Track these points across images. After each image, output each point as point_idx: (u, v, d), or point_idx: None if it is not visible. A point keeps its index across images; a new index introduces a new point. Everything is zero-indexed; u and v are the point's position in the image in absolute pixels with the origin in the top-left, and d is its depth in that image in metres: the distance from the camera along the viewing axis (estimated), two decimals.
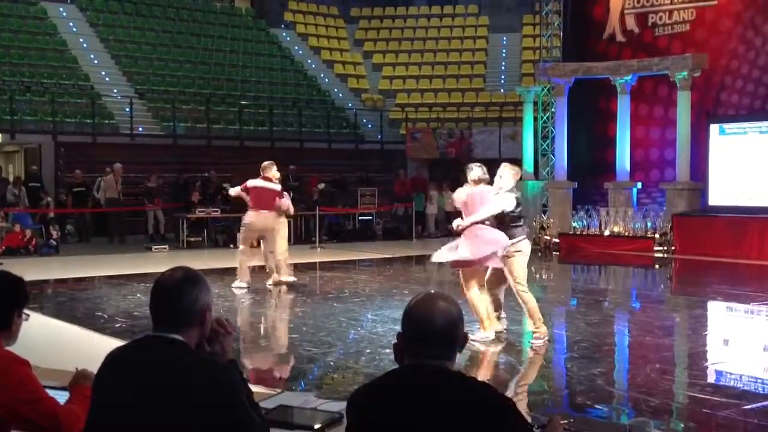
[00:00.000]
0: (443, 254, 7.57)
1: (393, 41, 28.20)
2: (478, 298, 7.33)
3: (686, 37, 16.50)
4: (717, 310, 10.04)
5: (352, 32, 28.97)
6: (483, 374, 6.30)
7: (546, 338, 7.37)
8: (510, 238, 7.24)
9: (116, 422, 2.37)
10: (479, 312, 7.32)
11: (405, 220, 19.74)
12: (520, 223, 7.51)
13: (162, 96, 21.77)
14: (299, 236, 17.54)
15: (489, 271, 7.52)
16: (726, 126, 15.38)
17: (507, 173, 7.45)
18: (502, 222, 7.31)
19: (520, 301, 7.43)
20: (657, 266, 14.39)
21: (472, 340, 6.94)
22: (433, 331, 2.27)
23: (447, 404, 2.18)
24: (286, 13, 28.69)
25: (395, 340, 2.35)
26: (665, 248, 15.04)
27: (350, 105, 25.07)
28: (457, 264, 7.53)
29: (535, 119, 18.47)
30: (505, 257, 7.28)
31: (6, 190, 16.98)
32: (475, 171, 7.45)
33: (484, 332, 7.29)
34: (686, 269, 14.07)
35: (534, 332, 7.37)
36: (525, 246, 7.42)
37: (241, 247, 10.94)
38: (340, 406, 3.19)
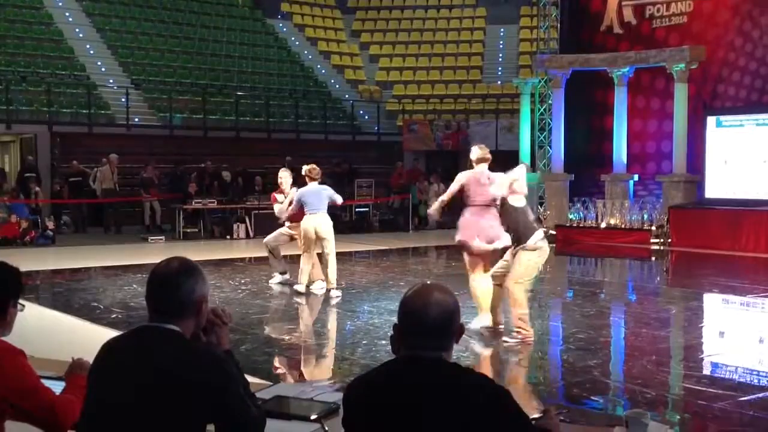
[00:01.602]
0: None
1: (390, 32, 28.13)
2: (476, 284, 7.32)
3: (684, 30, 16.49)
4: (713, 303, 10.06)
5: (349, 23, 28.90)
6: (479, 366, 6.30)
7: (523, 340, 6.96)
8: (532, 233, 7.02)
9: (112, 412, 2.37)
10: (476, 298, 7.33)
11: (402, 212, 19.73)
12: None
13: (158, 86, 21.71)
14: None
15: (498, 265, 7.36)
16: (723, 118, 15.38)
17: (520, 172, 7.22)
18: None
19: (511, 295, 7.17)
20: (653, 258, 14.42)
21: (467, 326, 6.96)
22: (428, 322, 2.27)
23: (444, 395, 2.18)
24: (282, 4, 28.59)
25: (392, 332, 2.35)
26: (662, 240, 15.07)
27: (347, 96, 25.02)
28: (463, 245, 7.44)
29: (532, 111, 18.47)
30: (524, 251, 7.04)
31: (2, 180, 17.00)
32: (474, 150, 7.39)
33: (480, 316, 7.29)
34: (682, 261, 14.09)
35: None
36: (544, 244, 7.12)
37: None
38: (336, 396, 3.19)
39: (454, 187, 7.44)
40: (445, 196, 7.61)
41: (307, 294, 9.66)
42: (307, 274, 9.70)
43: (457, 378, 2.23)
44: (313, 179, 9.67)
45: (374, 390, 2.29)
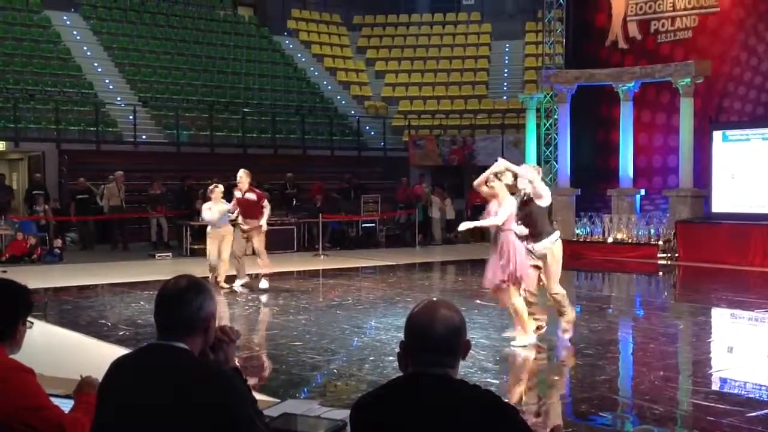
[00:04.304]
0: None
1: (395, 48, 28.25)
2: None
3: (689, 44, 16.52)
4: (721, 317, 10.02)
5: (354, 40, 29.03)
6: (486, 382, 6.28)
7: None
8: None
9: (121, 430, 2.37)
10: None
11: (408, 227, 19.73)
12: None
13: (165, 104, 21.82)
14: (302, 243, 17.55)
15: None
16: (729, 133, 15.37)
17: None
18: None
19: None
20: (660, 273, 14.37)
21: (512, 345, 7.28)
22: (434, 338, 2.27)
23: (451, 413, 2.18)
24: (288, 21, 28.76)
25: (398, 349, 2.36)
26: (669, 255, 15.03)
27: (353, 112, 25.10)
28: None
29: (538, 126, 18.49)
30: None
31: (9, 197, 17.10)
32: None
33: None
34: (690, 276, 14.05)
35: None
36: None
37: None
38: (344, 413, 3.19)
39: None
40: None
41: (305, 308, 9.67)
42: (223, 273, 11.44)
43: (464, 395, 2.23)
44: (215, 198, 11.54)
45: (381, 408, 2.29)
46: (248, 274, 11.78)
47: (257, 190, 11.77)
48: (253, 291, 11.28)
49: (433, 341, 2.28)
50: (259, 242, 11.55)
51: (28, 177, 19.36)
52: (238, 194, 11.59)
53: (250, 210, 11.50)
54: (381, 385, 2.38)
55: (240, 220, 11.63)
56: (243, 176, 11.66)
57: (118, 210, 17.58)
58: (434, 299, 2.44)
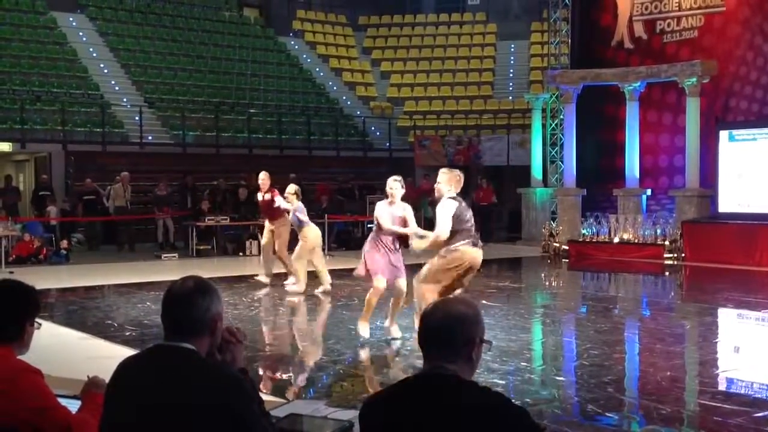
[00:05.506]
0: None
1: (401, 49, 28.24)
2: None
3: (694, 44, 16.50)
4: (727, 318, 10.00)
5: (360, 40, 29.02)
6: (493, 383, 6.28)
7: None
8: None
9: (128, 430, 2.38)
10: None
11: None
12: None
13: (171, 105, 21.83)
14: None
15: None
16: (735, 132, 15.33)
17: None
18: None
19: None
20: (667, 273, 14.35)
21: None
22: (431, 328, 2.28)
23: (458, 413, 2.18)
24: (294, 22, 28.76)
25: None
26: (675, 255, 15.00)
27: (358, 113, 25.09)
28: None
29: (544, 126, 18.48)
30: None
31: (16, 198, 17.14)
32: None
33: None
34: (696, 276, 14.02)
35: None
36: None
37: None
38: (350, 414, 3.20)
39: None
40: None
41: (312, 309, 9.67)
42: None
43: (473, 397, 2.22)
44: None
45: (390, 407, 2.29)
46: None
47: (275, 191, 11.80)
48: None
49: (431, 331, 2.28)
50: (280, 244, 11.70)
51: (34, 178, 19.41)
52: (260, 197, 11.84)
53: (271, 211, 11.62)
54: (391, 384, 2.38)
55: (266, 222, 11.94)
56: (264, 179, 11.81)
57: (124, 211, 17.63)
58: (451, 297, 2.45)
